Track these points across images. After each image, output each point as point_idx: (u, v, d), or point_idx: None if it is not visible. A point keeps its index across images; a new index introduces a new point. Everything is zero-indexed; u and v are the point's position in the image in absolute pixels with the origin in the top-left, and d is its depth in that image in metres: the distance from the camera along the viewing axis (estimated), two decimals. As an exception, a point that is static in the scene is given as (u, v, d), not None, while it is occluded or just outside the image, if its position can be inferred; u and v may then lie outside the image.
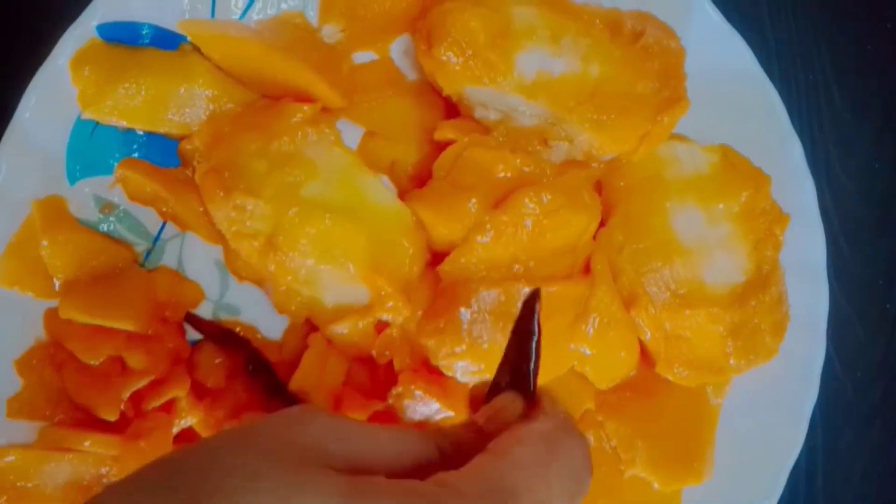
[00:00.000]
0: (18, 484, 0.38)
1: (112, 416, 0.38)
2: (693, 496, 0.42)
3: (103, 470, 0.39)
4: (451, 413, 0.39)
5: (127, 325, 0.39)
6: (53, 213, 0.40)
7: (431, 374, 0.39)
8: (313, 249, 0.39)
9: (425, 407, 0.39)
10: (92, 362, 0.39)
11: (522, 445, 0.24)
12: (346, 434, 0.22)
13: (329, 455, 0.21)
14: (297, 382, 0.39)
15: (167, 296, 0.41)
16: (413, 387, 0.38)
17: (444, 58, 0.38)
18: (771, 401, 0.43)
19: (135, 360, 0.39)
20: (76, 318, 0.39)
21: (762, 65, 0.43)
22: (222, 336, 0.42)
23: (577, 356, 0.40)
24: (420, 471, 0.23)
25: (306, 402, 0.39)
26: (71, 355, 0.39)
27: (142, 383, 0.39)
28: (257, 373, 0.41)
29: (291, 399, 0.40)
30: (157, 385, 0.39)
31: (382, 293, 0.38)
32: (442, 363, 0.38)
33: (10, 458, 0.38)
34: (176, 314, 0.41)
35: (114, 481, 0.22)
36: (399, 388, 0.38)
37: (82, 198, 0.41)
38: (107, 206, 0.42)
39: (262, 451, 0.21)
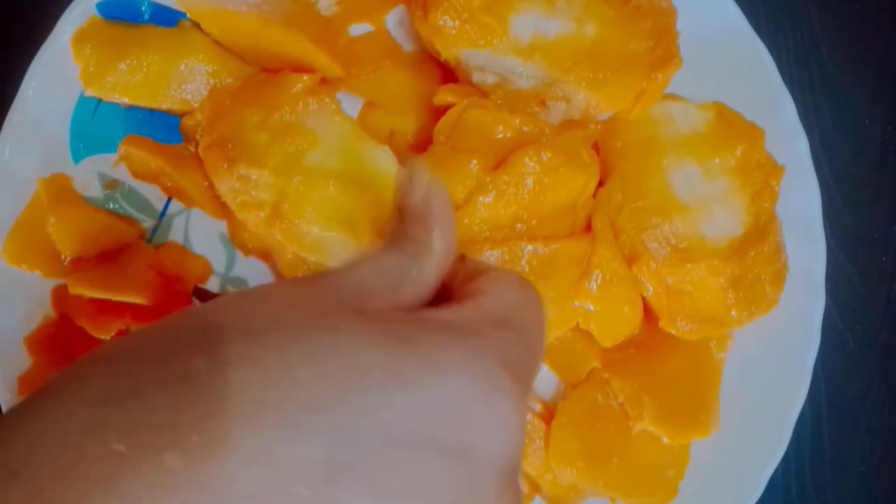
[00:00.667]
0: None
1: None
2: (702, 451, 0.43)
3: None
4: None
5: (135, 299, 0.39)
6: (59, 191, 0.40)
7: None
8: (318, 216, 0.39)
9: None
10: (102, 336, 0.39)
11: (512, 290, 0.25)
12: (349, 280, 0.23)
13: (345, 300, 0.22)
14: None
15: (175, 270, 0.41)
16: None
17: (441, 22, 0.38)
18: (773, 354, 0.43)
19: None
20: (85, 293, 0.39)
21: (751, 23, 0.44)
22: None
23: (581, 313, 0.40)
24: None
25: None
26: (81, 331, 0.40)
27: None
28: None
29: None
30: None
31: None
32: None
33: None
34: (185, 287, 0.42)
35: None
36: None
37: (87, 176, 0.41)
38: (111, 184, 0.42)
39: (280, 303, 0.21)
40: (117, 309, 0.40)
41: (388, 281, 0.24)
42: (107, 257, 0.41)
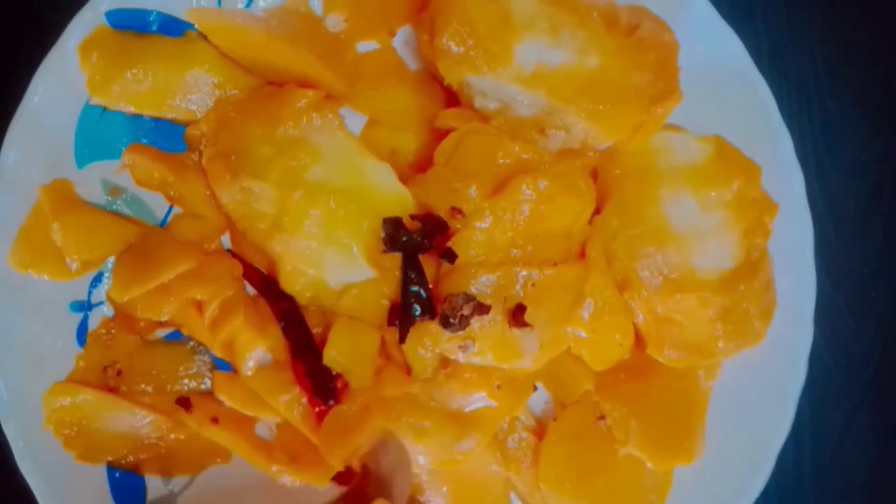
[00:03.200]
0: (84, 422, 0.41)
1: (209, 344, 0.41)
2: (684, 476, 0.44)
3: (161, 432, 0.41)
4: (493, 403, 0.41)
5: (179, 268, 0.40)
6: (61, 196, 0.41)
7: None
8: (318, 231, 0.40)
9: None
10: (165, 317, 0.41)
11: None
12: None
13: None
14: (330, 355, 0.40)
15: (191, 234, 0.42)
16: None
17: (446, 47, 0.39)
18: (760, 384, 0.44)
19: (198, 291, 0.40)
20: (131, 294, 0.40)
21: (754, 59, 0.44)
22: (264, 284, 0.43)
23: (573, 339, 0.41)
24: None
25: (340, 376, 0.41)
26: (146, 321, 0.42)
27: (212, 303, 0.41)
28: (288, 330, 0.41)
29: (318, 363, 0.40)
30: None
31: (392, 272, 0.39)
32: (445, 346, 0.39)
33: (83, 397, 0.40)
34: (212, 245, 0.42)
35: None
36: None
37: (90, 181, 0.42)
38: (115, 190, 0.42)
39: None
40: (164, 288, 0.40)
41: None
42: (128, 253, 0.41)
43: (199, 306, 0.41)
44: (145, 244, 0.42)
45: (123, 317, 0.42)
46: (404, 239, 0.40)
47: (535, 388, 0.44)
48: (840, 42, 0.51)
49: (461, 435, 0.40)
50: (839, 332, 0.50)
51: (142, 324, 0.42)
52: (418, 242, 0.40)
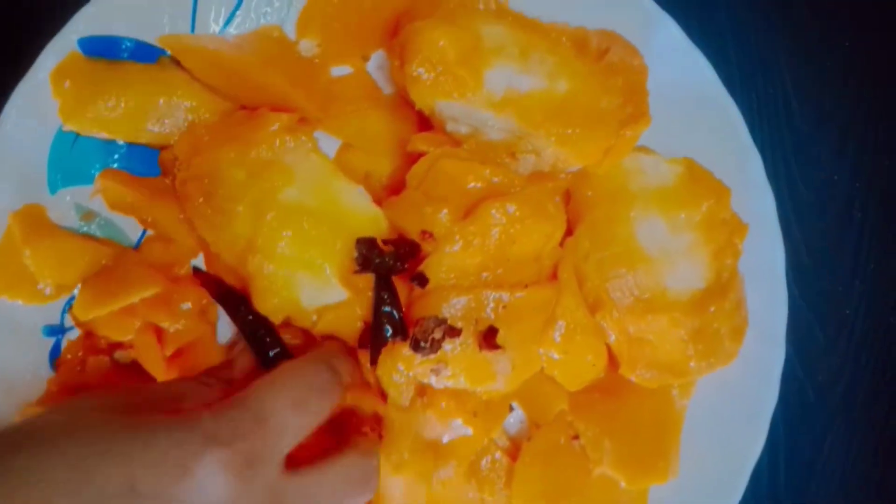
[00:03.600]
0: None
1: (161, 376, 0.41)
2: (659, 495, 0.44)
3: None
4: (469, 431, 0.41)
5: (147, 292, 0.40)
6: (33, 221, 0.41)
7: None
8: (291, 252, 0.40)
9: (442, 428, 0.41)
10: (127, 338, 0.41)
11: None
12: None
13: None
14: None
15: (162, 259, 0.42)
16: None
17: (416, 74, 0.39)
18: (733, 403, 0.44)
19: (161, 318, 0.41)
20: (95, 314, 0.40)
21: (723, 79, 0.45)
22: (220, 292, 0.43)
23: (546, 360, 0.41)
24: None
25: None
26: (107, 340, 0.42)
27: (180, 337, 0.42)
28: (252, 341, 0.42)
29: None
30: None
31: (365, 293, 0.40)
32: (417, 370, 0.39)
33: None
34: (180, 269, 0.43)
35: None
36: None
37: (63, 206, 0.42)
38: (87, 215, 0.43)
39: None
40: (130, 309, 0.41)
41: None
42: (99, 274, 0.42)
43: (159, 333, 0.41)
44: (115, 265, 0.42)
45: (88, 336, 0.42)
46: (377, 261, 0.40)
47: (512, 409, 0.44)
48: (810, 63, 0.52)
49: (439, 464, 0.40)
50: (812, 351, 0.51)
51: (104, 344, 0.42)
52: (391, 265, 0.40)
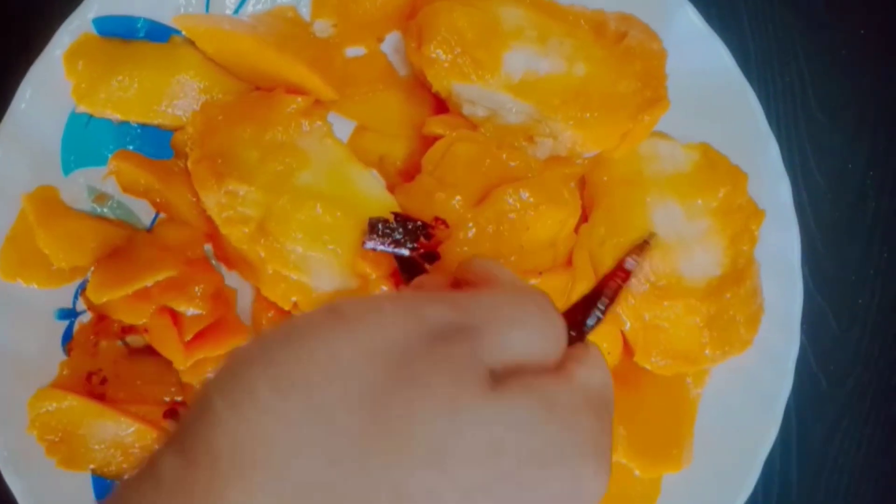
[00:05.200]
0: (68, 428, 0.40)
1: (182, 364, 0.40)
2: (672, 484, 0.44)
3: (145, 441, 0.41)
4: None
5: (160, 275, 0.40)
6: (46, 203, 0.41)
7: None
8: (303, 236, 0.40)
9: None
10: (141, 321, 0.40)
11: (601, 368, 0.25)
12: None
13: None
14: None
15: (175, 240, 0.42)
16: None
17: (434, 55, 0.39)
18: (747, 392, 0.44)
19: (176, 302, 0.40)
20: (109, 297, 0.39)
21: (741, 66, 0.44)
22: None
23: (560, 346, 0.41)
24: None
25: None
26: (120, 324, 0.41)
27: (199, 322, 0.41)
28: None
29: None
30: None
31: (372, 278, 0.39)
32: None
33: (68, 403, 0.40)
34: (195, 254, 0.42)
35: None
36: None
37: (76, 188, 0.42)
38: (100, 197, 0.42)
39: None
40: (145, 293, 0.40)
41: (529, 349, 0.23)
42: (112, 256, 0.41)
43: (175, 316, 0.41)
44: (128, 247, 0.41)
45: (100, 319, 0.42)
46: (380, 226, 0.39)
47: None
48: (826, 51, 0.51)
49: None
50: (825, 339, 0.50)
51: (116, 328, 0.42)
52: (399, 240, 0.39)
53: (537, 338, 0.23)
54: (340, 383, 0.19)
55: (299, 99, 0.41)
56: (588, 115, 0.40)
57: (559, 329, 0.24)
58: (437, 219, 0.39)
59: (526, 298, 0.24)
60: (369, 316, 0.21)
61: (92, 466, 0.41)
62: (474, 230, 0.38)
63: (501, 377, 0.21)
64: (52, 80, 0.40)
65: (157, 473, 0.18)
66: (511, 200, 0.39)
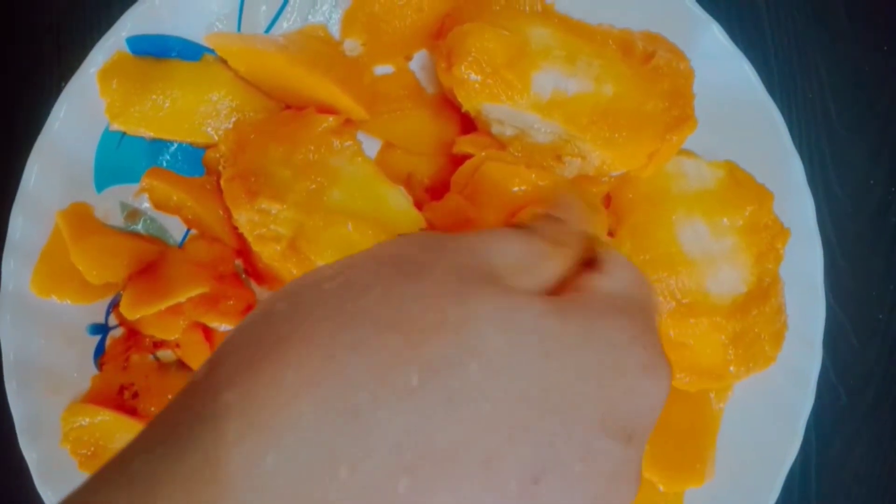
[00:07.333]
0: (101, 442, 0.41)
1: None
2: (694, 498, 0.44)
3: None
4: None
5: (193, 291, 0.40)
6: (80, 220, 0.41)
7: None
8: (334, 253, 0.40)
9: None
10: (174, 337, 0.41)
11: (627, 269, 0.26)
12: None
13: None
14: None
15: (206, 256, 0.42)
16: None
17: (464, 76, 0.39)
18: (769, 407, 0.45)
19: (208, 317, 0.41)
20: (143, 313, 0.40)
21: (763, 82, 0.45)
22: None
23: (586, 363, 0.41)
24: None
25: None
26: (151, 339, 0.42)
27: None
28: None
29: None
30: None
31: None
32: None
33: (101, 418, 0.41)
34: (227, 270, 0.43)
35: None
36: None
37: (109, 205, 0.42)
38: (132, 214, 0.43)
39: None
40: (177, 308, 0.41)
41: (519, 263, 0.23)
42: (144, 272, 0.42)
43: (207, 332, 0.41)
44: (160, 263, 0.42)
45: (131, 334, 0.42)
46: None
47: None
48: (848, 66, 0.52)
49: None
50: (845, 353, 0.51)
51: (148, 342, 0.42)
52: None
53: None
54: None
55: (331, 118, 0.41)
56: (616, 134, 0.40)
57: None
58: None
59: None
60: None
61: (125, 481, 0.41)
62: None
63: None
64: (87, 98, 0.40)
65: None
66: (540, 220, 0.39)
